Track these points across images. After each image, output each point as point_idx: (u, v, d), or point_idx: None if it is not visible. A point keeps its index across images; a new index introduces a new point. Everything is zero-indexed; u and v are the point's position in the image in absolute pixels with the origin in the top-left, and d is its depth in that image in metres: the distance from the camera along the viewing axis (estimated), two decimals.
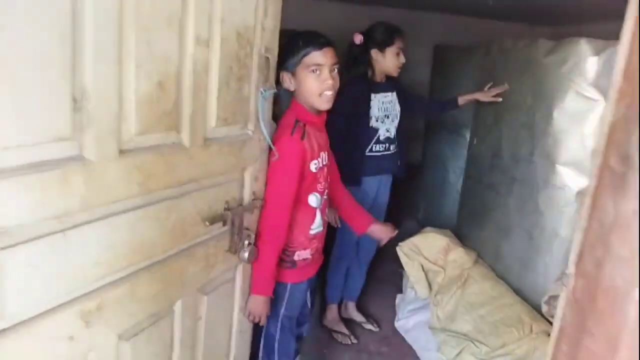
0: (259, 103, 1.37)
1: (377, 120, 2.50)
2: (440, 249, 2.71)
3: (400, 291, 2.99)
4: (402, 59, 2.47)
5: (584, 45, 2.22)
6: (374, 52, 2.45)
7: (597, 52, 2.19)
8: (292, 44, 1.51)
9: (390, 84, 2.57)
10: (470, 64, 3.85)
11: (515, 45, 2.55)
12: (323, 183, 1.62)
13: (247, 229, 1.42)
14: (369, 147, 2.52)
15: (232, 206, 1.32)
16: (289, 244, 1.59)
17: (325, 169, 1.63)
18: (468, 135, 3.93)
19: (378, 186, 2.61)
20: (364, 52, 2.44)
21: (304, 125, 1.50)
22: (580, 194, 2.31)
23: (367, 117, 2.46)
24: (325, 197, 1.66)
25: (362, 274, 2.81)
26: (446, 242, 2.71)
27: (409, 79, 5.00)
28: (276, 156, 1.45)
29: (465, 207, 3.00)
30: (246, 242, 1.40)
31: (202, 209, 1.22)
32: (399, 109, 2.58)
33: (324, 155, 1.61)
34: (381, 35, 2.44)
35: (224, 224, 1.29)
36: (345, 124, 2.37)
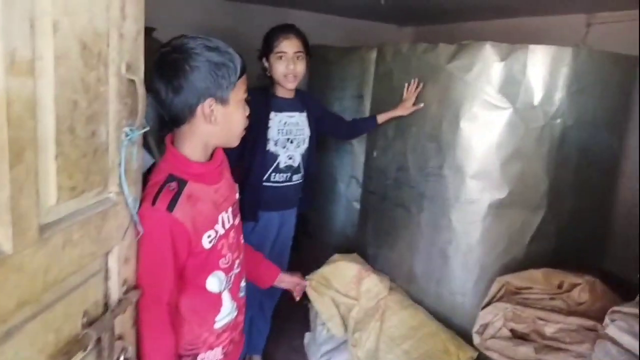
0: (123, 150, 0.90)
1: (276, 144, 2.09)
2: (352, 278, 2.42)
3: (308, 329, 2.64)
4: (291, 67, 2.00)
5: (489, 50, 2.07)
6: (265, 61, 2.07)
7: (503, 57, 2.06)
8: None
9: (299, 102, 2.16)
10: (352, 65, 3.66)
11: (414, 50, 2.35)
12: (230, 255, 1.17)
13: (121, 338, 0.94)
14: (267, 175, 2.11)
15: (94, 317, 0.84)
16: (189, 343, 1.13)
17: (233, 232, 1.19)
18: (355, 142, 3.77)
19: (280, 222, 2.23)
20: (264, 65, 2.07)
21: (180, 184, 1.05)
22: (493, 207, 2.18)
23: (264, 139, 2.04)
24: (236, 271, 1.22)
25: (267, 323, 2.41)
26: (357, 270, 2.43)
27: None
28: (140, 232, 0.99)
29: (369, 225, 2.75)
30: None
31: (45, 343, 0.73)
32: (309, 133, 2.17)
33: (227, 215, 1.17)
34: (264, 40, 2.06)
35: (85, 349, 0.81)
36: (237, 145, 1.93)
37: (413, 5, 3.61)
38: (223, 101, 1.06)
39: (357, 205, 3.76)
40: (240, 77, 1.07)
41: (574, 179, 2.18)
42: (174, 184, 1.03)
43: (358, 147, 3.75)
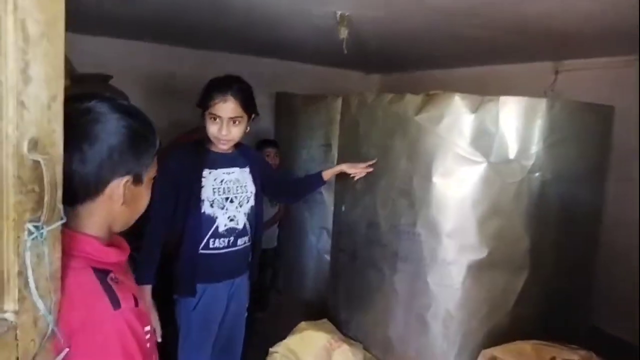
0: (28, 254, 0.69)
1: (212, 206, 1.78)
2: (321, 349, 2.18)
3: None
4: (223, 132, 1.72)
5: (458, 102, 1.96)
6: (201, 113, 1.77)
7: (474, 109, 1.94)
8: None
9: (240, 156, 1.87)
10: (319, 114, 3.55)
11: (380, 101, 2.23)
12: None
13: None
14: (204, 242, 1.78)
15: None
16: None
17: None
18: (324, 193, 3.61)
19: (229, 294, 1.88)
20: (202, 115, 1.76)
21: (110, 275, 0.85)
22: (472, 268, 2.01)
23: (197, 200, 1.75)
24: None
25: None
26: (327, 340, 2.20)
27: (252, 127, 4.63)
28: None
29: (340, 287, 2.54)
30: None
31: None
32: (253, 189, 1.88)
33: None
34: (202, 91, 1.75)
35: None
36: (166, 206, 1.69)
37: (378, 54, 3.54)
38: (138, 180, 0.87)
39: (328, 258, 3.56)
40: (156, 152, 0.90)
41: (556, 235, 2.03)
42: (112, 275, 0.83)
43: (328, 198, 3.58)
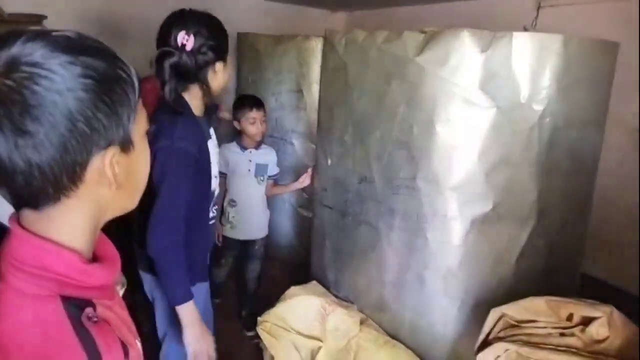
0: None
1: (215, 179, 1.59)
2: (315, 314, 2.03)
3: None
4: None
5: (467, 39, 1.74)
6: (220, 65, 1.45)
7: (484, 47, 1.73)
8: None
9: (206, 117, 1.58)
10: (288, 57, 3.24)
11: (374, 40, 1.96)
12: None
13: None
14: (211, 215, 1.61)
15: None
16: None
17: None
18: (295, 142, 3.37)
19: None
20: (201, 64, 1.40)
21: (87, 311, 0.57)
22: (476, 222, 1.87)
23: (209, 178, 1.52)
24: None
25: None
26: (320, 304, 2.04)
27: None
28: None
29: (327, 245, 2.36)
30: None
31: None
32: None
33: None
34: (223, 38, 1.46)
35: None
36: (186, 202, 1.39)
37: None
38: (127, 146, 0.60)
39: (304, 213, 3.38)
40: (139, 96, 0.62)
41: (562, 184, 1.92)
42: (89, 311, 0.57)
43: (300, 148, 3.36)
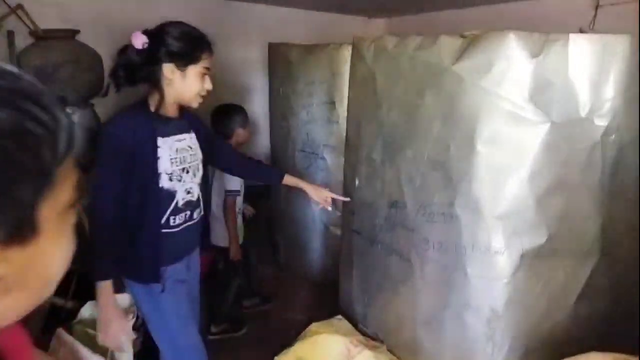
0: None
1: (171, 179, 1.57)
2: (339, 355, 1.80)
3: None
4: (209, 85, 1.57)
5: (513, 43, 1.48)
6: (169, 69, 1.50)
7: (535, 52, 1.46)
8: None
9: (185, 120, 1.66)
10: (320, 66, 3.05)
11: (403, 46, 1.73)
12: None
13: None
14: (163, 220, 1.58)
15: None
16: None
17: None
18: (327, 157, 3.17)
19: (186, 272, 1.73)
20: (149, 65, 1.48)
21: None
22: (527, 257, 1.59)
23: (155, 174, 1.53)
24: None
25: None
26: (344, 344, 1.81)
27: (240, 84, 4.11)
28: None
29: (355, 274, 2.13)
30: None
31: None
32: (201, 156, 1.71)
33: None
34: (183, 45, 1.50)
35: None
36: (117, 187, 1.48)
37: None
38: (21, 232, 0.41)
39: (336, 231, 3.17)
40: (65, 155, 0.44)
41: (632, 214, 1.61)
42: None
43: (333, 164, 3.15)
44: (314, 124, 3.16)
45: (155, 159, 1.51)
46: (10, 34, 3.01)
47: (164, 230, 1.58)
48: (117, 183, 1.46)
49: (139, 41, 1.44)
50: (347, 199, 2.08)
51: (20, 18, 3.30)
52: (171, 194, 1.58)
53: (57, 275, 0.49)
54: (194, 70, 1.51)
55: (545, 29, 1.58)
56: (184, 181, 1.61)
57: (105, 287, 1.48)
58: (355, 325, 2.06)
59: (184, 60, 1.49)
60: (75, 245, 0.50)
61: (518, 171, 1.54)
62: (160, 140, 1.53)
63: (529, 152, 1.52)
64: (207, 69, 1.54)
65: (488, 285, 1.65)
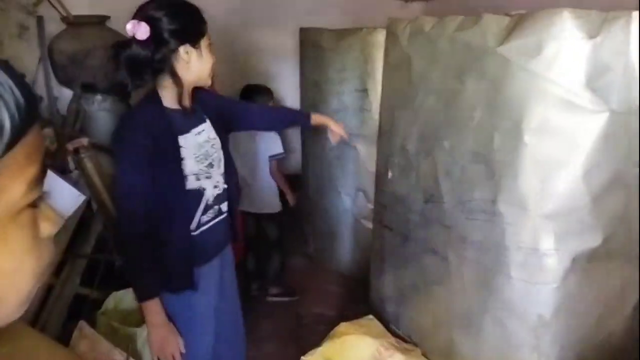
0: None
1: (198, 179, 1.41)
2: (369, 358, 1.69)
3: None
4: (214, 55, 1.40)
5: (568, 22, 1.31)
6: (184, 50, 1.30)
7: (593, 33, 1.30)
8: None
9: (198, 107, 1.46)
10: (352, 52, 2.91)
11: (442, 28, 1.59)
12: None
13: None
14: (195, 221, 1.43)
15: None
16: None
17: None
18: (359, 146, 3.04)
19: (220, 270, 1.58)
20: (159, 53, 1.27)
21: None
22: (580, 260, 1.44)
23: (180, 176, 1.36)
24: None
25: None
26: (375, 347, 1.70)
27: (271, 72, 4.02)
28: None
29: (387, 271, 2.02)
30: None
31: None
32: (220, 142, 1.49)
33: None
34: (188, 20, 1.32)
35: None
36: (145, 196, 1.31)
37: None
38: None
39: (367, 224, 3.05)
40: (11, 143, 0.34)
41: None
42: None
43: (365, 154, 3.02)
44: (345, 112, 3.03)
45: (179, 160, 1.36)
46: (40, 20, 3.01)
47: (194, 233, 1.45)
48: (144, 192, 1.31)
49: (143, 31, 1.23)
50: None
51: (51, 4, 3.29)
52: (200, 194, 1.44)
53: (9, 293, 0.38)
54: (205, 44, 1.35)
55: (602, 6, 1.40)
56: (211, 177, 1.47)
57: (153, 305, 1.35)
58: (386, 325, 1.95)
59: (195, 35, 1.32)
60: (45, 257, 0.41)
61: (571, 165, 1.38)
62: (181, 140, 1.37)
63: (584, 144, 1.36)
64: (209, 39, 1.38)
65: (535, 290, 1.51)
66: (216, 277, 1.57)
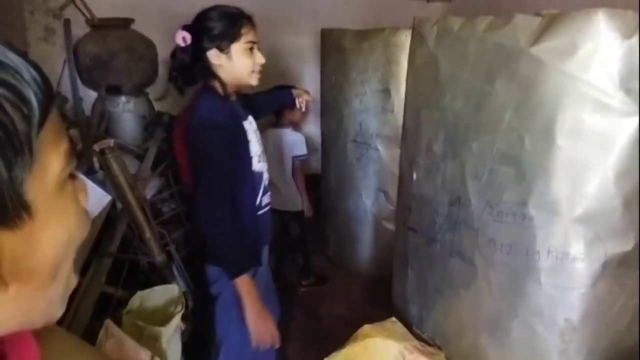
0: None
1: (259, 161, 1.59)
2: None
3: None
4: (260, 59, 1.50)
5: (602, 22, 1.29)
6: (213, 55, 1.45)
7: (628, 33, 1.27)
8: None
9: (241, 101, 1.64)
10: (374, 53, 2.91)
11: (472, 28, 1.57)
12: None
13: None
14: (257, 203, 1.58)
15: None
16: None
17: None
18: (380, 148, 3.03)
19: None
20: (198, 58, 1.45)
21: None
22: (610, 266, 1.41)
23: (248, 157, 1.53)
24: None
25: None
26: (399, 350, 1.69)
27: (291, 72, 4.01)
28: None
29: (410, 274, 2.01)
30: None
31: None
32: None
33: None
34: (220, 26, 1.44)
35: None
36: (232, 179, 1.45)
37: None
38: (8, 217, 0.34)
39: (388, 226, 3.04)
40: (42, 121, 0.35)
41: None
42: None
43: (386, 155, 3.01)
44: (367, 113, 3.03)
45: (247, 141, 1.51)
46: (67, 22, 3.06)
47: (258, 213, 1.58)
48: (230, 172, 1.42)
49: (180, 37, 1.42)
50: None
51: (77, 7, 3.35)
52: (260, 175, 1.58)
53: (64, 262, 0.40)
54: (238, 48, 1.44)
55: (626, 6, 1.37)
56: (264, 160, 1.63)
57: (248, 280, 1.44)
58: (409, 327, 1.94)
59: (224, 40, 1.43)
60: (86, 230, 0.43)
61: (603, 168, 1.36)
62: (245, 123, 1.53)
63: (617, 146, 1.33)
64: (253, 42, 1.47)
65: (563, 295, 1.48)
66: (266, 266, 1.70)
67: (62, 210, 0.39)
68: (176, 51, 1.46)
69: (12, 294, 0.35)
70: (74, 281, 0.43)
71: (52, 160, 0.36)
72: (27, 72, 0.34)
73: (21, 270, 0.36)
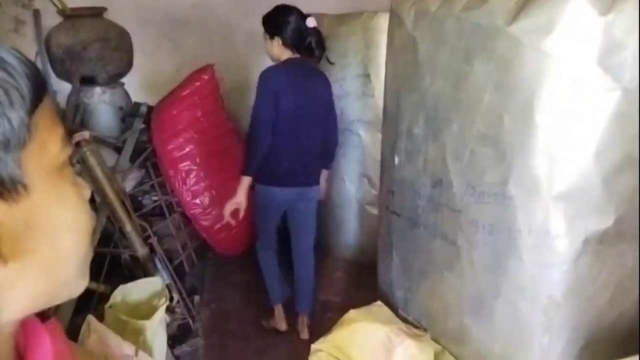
0: None
1: None
2: (379, 345, 1.69)
3: None
4: None
5: (581, 0, 1.28)
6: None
7: (605, 9, 1.27)
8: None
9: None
10: (353, 37, 2.89)
11: (451, 8, 1.55)
12: None
13: None
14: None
15: None
16: None
17: None
18: (362, 133, 3.03)
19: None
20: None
21: None
22: (591, 242, 1.43)
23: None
24: None
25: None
26: (385, 333, 1.70)
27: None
28: None
29: (394, 257, 2.01)
30: None
31: None
32: None
33: None
34: (269, 20, 2.42)
35: None
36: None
37: None
38: (6, 190, 0.36)
39: (372, 210, 3.05)
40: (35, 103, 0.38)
41: None
42: None
43: (368, 140, 3.00)
44: (347, 98, 3.01)
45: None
46: (36, 13, 2.97)
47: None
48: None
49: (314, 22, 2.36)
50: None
51: None
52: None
53: (70, 248, 0.42)
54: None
55: None
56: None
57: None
58: (395, 311, 1.95)
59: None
60: (92, 218, 0.44)
61: (583, 146, 1.37)
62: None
63: (596, 123, 1.34)
64: None
65: (546, 272, 1.50)
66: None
67: (61, 192, 0.40)
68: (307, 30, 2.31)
69: (13, 273, 0.36)
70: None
71: (49, 142, 0.39)
72: (21, 65, 0.37)
73: (21, 248, 0.37)
